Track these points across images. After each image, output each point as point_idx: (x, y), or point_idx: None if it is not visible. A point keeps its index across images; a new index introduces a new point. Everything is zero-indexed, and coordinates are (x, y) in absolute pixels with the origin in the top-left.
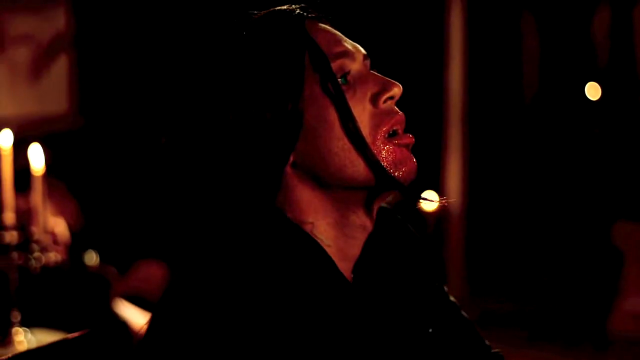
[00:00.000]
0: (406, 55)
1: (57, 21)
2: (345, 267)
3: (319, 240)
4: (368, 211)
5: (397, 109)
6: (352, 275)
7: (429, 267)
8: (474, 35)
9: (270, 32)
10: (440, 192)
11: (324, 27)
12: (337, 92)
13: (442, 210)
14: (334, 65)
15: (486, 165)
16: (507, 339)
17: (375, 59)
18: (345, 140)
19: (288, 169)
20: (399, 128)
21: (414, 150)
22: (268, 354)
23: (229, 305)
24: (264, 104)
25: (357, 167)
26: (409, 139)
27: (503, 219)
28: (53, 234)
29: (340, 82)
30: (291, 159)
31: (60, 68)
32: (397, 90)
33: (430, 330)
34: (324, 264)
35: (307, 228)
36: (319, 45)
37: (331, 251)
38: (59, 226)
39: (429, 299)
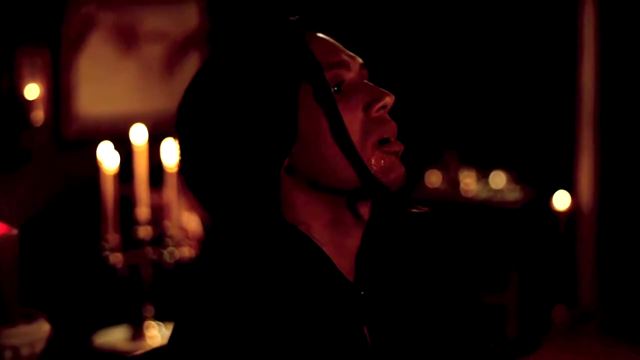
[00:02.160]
0: (539, 55)
1: (190, 18)
2: (344, 263)
3: (315, 240)
4: (361, 210)
5: (389, 118)
6: (354, 272)
7: (435, 266)
8: (606, 33)
9: (269, 41)
10: (573, 192)
11: (322, 37)
12: (328, 101)
13: (574, 210)
14: (329, 74)
15: (619, 165)
16: (637, 343)
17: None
18: (336, 147)
19: (283, 172)
20: (390, 136)
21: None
22: (268, 351)
23: (231, 307)
24: (259, 110)
25: (346, 172)
26: (398, 146)
27: (636, 220)
28: (186, 230)
29: (334, 90)
30: (286, 163)
31: (193, 65)
32: (389, 99)
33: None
34: (321, 262)
35: (303, 229)
36: (314, 55)
37: (328, 250)
38: (193, 222)
39: (433, 296)
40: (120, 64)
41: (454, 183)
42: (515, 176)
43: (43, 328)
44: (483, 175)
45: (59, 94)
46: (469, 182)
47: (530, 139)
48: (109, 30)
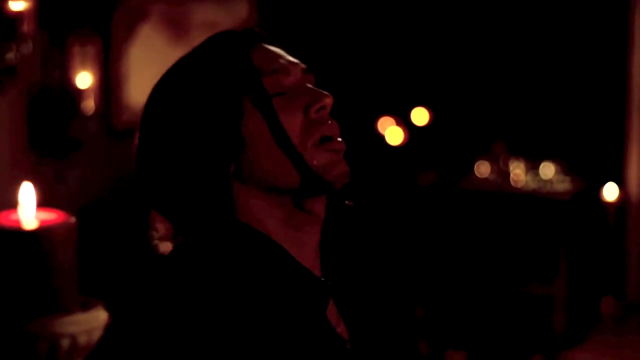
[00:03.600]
0: (589, 47)
1: (239, 9)
2: (306, 259)
3: (272, 238)
4: (315, 207)
5: (329, 117)
6: (318, 267)
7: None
8: None
9: (215, 53)
10: (621, 182)
11: (265, 47)
12: (266, 106)
13: (623, 201)
14: (268, 80)
15: None
16: None
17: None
18: (278, 149)
19: (231, 176)
20: (332, 135)
21: None
22: (234, 346)
23: (193, 305)
24: (205, 118)
25: (289, 172)
26: (339, 144)
27: None
28: None
29: (276, 94)
30: (233, 167)
31: None
32: (328, 100)
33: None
34: (279, 256)
35: (257, 226)
36: (253, 64)
37: (287, 246)
38: None
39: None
40: (170, 54)
41: (504, 173)
42: (565, 167)
43: (100, 316)
44: (532, 166)
45: (110, 83)
46: (518, 172)
47: (579, 131)
48: (159, 20)
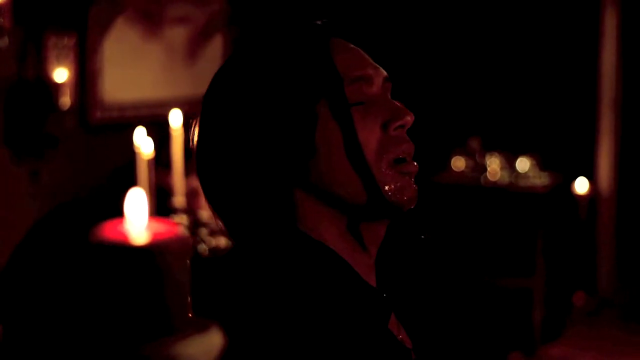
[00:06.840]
0: (561, 43)
1: (211, 2)
2: (360, 272)
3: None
4: (376, 227)
5: (407, 137)
6: (373, 280)
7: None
8: (628, 20)
9: (291, 49)
10: (592, 176)
11: (348, 47)
12: (345, 117)
13: (595, 195)
14: (350, 89)
15: (638, 150)
16: None
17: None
18: (348, 163)
19: (295, 184)
20: (407, 156)
21: None
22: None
23: (261, 314)
24: (276, 121)
25: (358, 190)
26: (413, 167)
27: None
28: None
29: (354, 105)
30: (300, 175)
31: (215, 48)
32: (409, 119)
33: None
34: (339, 266)
35: (316, 237)
36: (336, 69)
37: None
38: None
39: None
40: (144, 48)
41: (480, 168)
42: (540, 162)
43: (217, 338)
44: (508, 160)
45: (85, 78)
46: (494, 167)
47: (552, 126)
48: (134, 15)
